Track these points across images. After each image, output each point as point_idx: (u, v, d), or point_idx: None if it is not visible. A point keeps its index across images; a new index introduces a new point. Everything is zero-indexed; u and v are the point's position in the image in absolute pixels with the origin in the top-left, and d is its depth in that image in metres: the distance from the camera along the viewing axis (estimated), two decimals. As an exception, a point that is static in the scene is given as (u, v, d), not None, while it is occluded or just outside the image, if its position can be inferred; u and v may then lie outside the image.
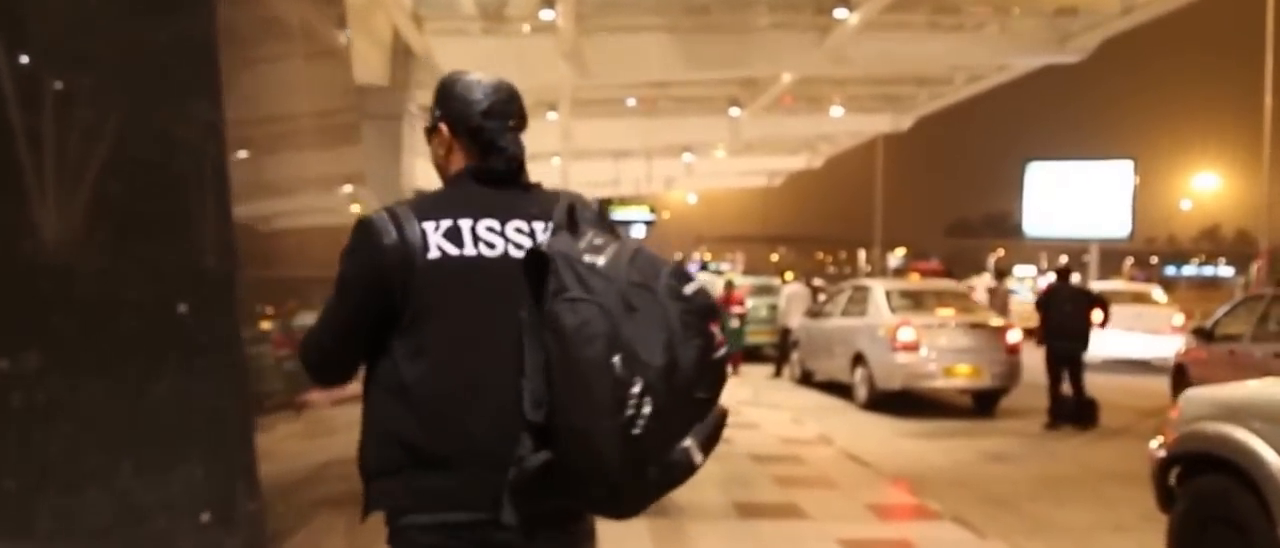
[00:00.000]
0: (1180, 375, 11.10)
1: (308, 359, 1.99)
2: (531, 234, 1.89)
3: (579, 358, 1.70)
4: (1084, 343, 10.61)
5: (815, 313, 14.41)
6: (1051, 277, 21.50)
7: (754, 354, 16.89)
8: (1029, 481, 7.82)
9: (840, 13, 12.06)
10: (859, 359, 12.09)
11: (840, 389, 12.64)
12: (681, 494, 6.82)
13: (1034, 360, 12.25)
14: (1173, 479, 4.46)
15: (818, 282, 18.98)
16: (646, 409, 1.69)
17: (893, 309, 12.10)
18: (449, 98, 1.96)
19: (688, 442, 1.76)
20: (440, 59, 12.47)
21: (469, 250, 1.86)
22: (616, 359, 1.69)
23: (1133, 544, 5.97)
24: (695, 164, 28.15)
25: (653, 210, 30.30)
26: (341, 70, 3.80)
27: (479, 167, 1.94)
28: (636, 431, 1.69)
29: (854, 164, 57.28)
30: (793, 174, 34.02)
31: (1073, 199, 34.83)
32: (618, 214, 39.40)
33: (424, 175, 14.07)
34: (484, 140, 1.93)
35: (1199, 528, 4.14)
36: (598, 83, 15.28)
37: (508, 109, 1.95)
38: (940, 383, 11.56)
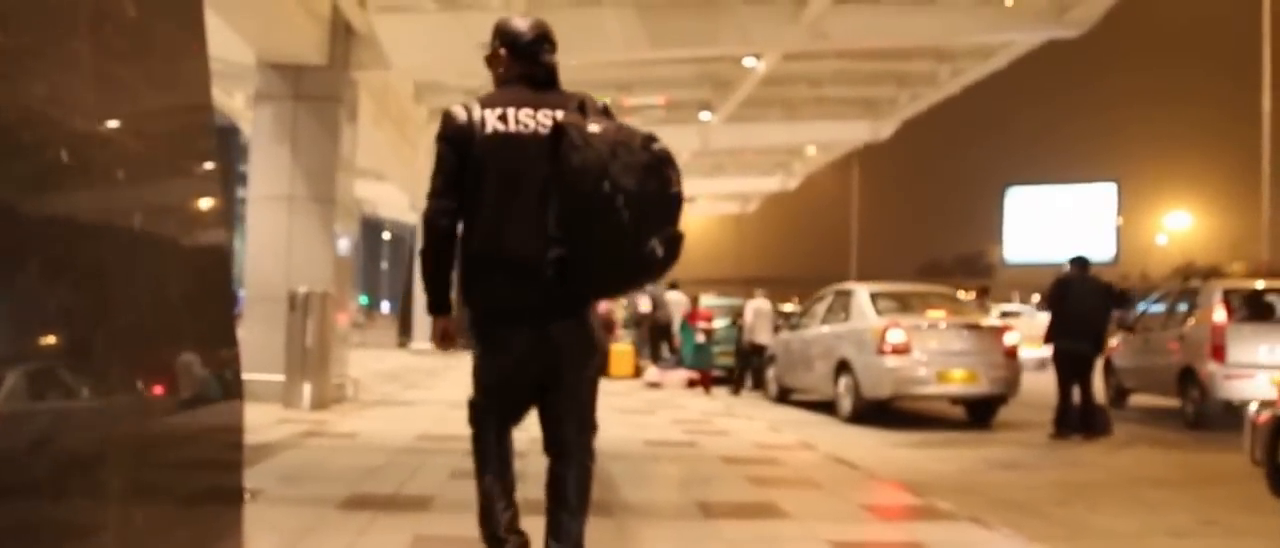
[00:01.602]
0: (1108, 364, 12.28)
1: (428, 209, 3.05)
2: (554, 118, 2.95)
3: (581, 185, 2.77)
4: (1099, 344, 9.47)
5: (794, 325, 13.24)
6: (1005, 303, 20.65)
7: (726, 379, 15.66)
8: (1050, 486, 6.61)
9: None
10: (843, 368, 10.88)
11: (824, 408, 11.38)
12: (633, 493, 5.34)
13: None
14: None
15: (788, 307, 17.92)
16: (626, 217, 2.74)
17: (879, 312, 10.94)
18: (505, 32, 3.16)
19: (653, 242, 2.78)
20: (385, 38, 11.35)
21: (512, 127, 3.01)
22: (606, 184, 2.74)
23: (1198, 550, 4.78)
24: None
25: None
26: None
27: (524, 73, 3.11)
28: (619, 231, 2.74)
29: (828, 201, 56.67)
30: (768, 199, 32.97)
31: (1055, 223, 34.18)
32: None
33: (360, 156, 12.81)
34: (530, 57, 3.11)
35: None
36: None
37: (544, 37, 3.14)
38: (933, 389, 10.34)
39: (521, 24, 3.13)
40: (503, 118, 2.98)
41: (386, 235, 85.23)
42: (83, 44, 2.24)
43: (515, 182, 2.93)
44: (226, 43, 10.25)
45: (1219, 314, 9.78)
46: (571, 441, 3.06)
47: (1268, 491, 3.58)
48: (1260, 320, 9.96)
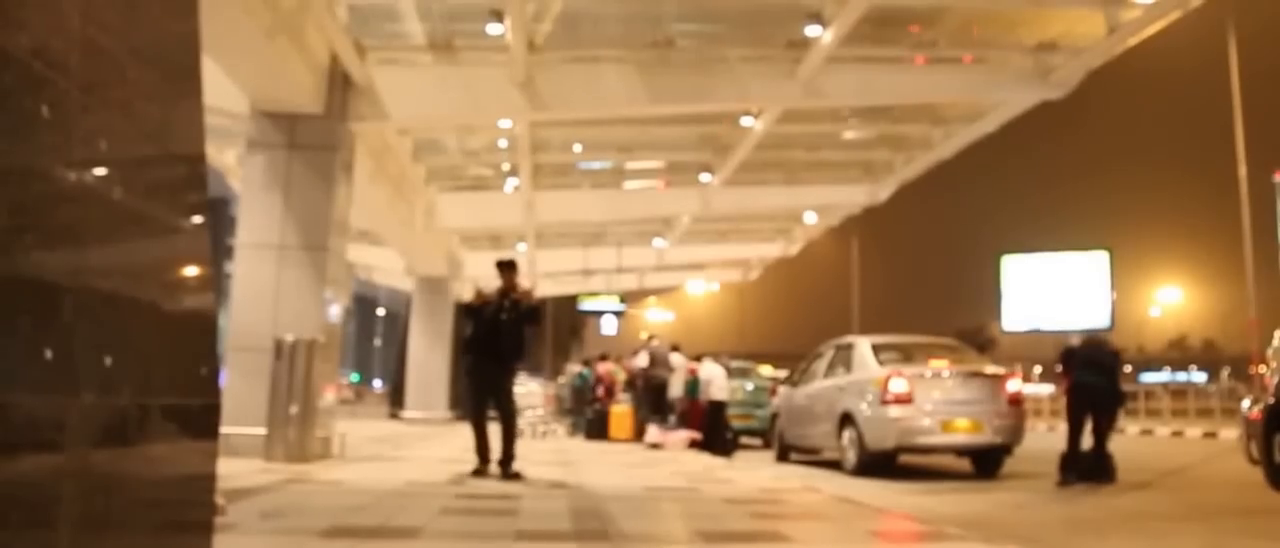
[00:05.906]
0: None
1: (469, 337, 8.59)
2: (506, 298, 8.30)
3: (523, 323, 8.43)
4: (1115, 386, 9.42)
5: (795, 381, 13.11)
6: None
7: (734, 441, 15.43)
8: (1058, 522, 6.47)
9: (812, 30, 11.22)
10: (846, 420, 10.72)
11: (832, 467, 11.14)
12: (631, 525, 5.26)
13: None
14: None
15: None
16: (538, 322, 9.07)
17: (881, 362, 10.84)
18: (501, 267, 8.48)
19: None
20: (383, 90, 11.44)
21: (490, 302, 8.38)
22: (528, 325, 8.55)
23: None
24: (668, 252, 27.04)
25: (622, 299, 29.30)
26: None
27: (505, 287, 8.44)
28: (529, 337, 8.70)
29: (829, 276, 56.77)
30: (769, 269, 32.98)
31: (1051, 291, 34.18)
32: (590, 304, 38.58)
33: (357, 214, 12.84)
34: (500, 274, 8.47)
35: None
36: (554, 117, 14.25)
37: (499, 267, 8.48)
38: (938, 439, 10.16)
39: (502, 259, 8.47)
40: (486, 300, 8.23)
41: (381, 311, 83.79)
42: (72, 85, 2.19)
43: (491, 322, 8.07)
44: (218, 91, 10.19)
45: None
46: (505, 407, 8.07)
47: (1266, 483, 3.49)
48: None
